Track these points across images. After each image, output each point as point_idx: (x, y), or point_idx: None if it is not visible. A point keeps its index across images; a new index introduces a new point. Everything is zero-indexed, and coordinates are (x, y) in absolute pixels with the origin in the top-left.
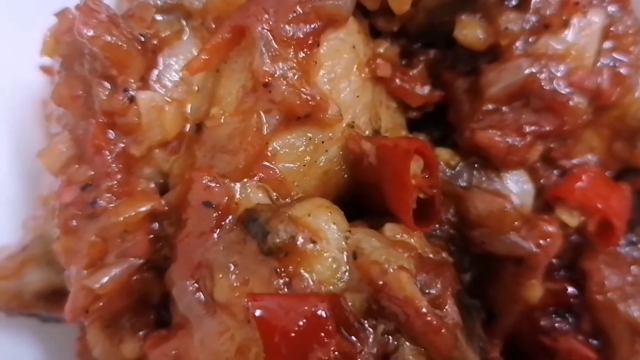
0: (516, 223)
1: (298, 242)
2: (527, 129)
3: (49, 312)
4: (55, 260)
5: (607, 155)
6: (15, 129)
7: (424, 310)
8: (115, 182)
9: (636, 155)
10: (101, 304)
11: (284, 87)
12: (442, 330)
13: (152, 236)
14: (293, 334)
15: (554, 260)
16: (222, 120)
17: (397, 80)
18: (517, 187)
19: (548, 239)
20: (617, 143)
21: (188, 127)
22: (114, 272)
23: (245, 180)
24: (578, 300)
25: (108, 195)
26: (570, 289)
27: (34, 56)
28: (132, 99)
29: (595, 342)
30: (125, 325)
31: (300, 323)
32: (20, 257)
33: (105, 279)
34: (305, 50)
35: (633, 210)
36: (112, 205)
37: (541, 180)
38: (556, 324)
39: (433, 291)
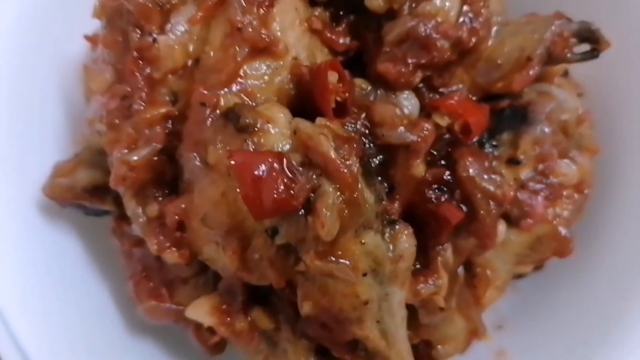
0: (404, 121)
1: (259, 124)
2: (410, 61)
3: (91, 204)
4: (98, 162)
5: (473, 86)
6: (62, 84)
7: (333, 156)
8: (144, 94)
9: (491, 86)
10: (134, 175)
11: (250, 30)
12: (345, 170)
13: (167, 131)
14: (255, 173)
15: (435, 152)
16: (211, 54)
17: (327, 33)
18: (407, 102)
19: (425, 132)
20: (479, 78)
21: (190, 62)
22: (143, 153)
23: (226, 89)
24: (452, 179)
25: (139, 102)
26: (447, 172)
27: (79, 28)
28: (154, 40)
29: (464, 207)
30: (148, 194)
31: (260, 167)
32: (74, 161)
33: (137, 157)
34: (264, 8)
35: (495, 124)
36: (142, 108)
37: (426, 100)
38: (438, 196)
39: (342, 151)
